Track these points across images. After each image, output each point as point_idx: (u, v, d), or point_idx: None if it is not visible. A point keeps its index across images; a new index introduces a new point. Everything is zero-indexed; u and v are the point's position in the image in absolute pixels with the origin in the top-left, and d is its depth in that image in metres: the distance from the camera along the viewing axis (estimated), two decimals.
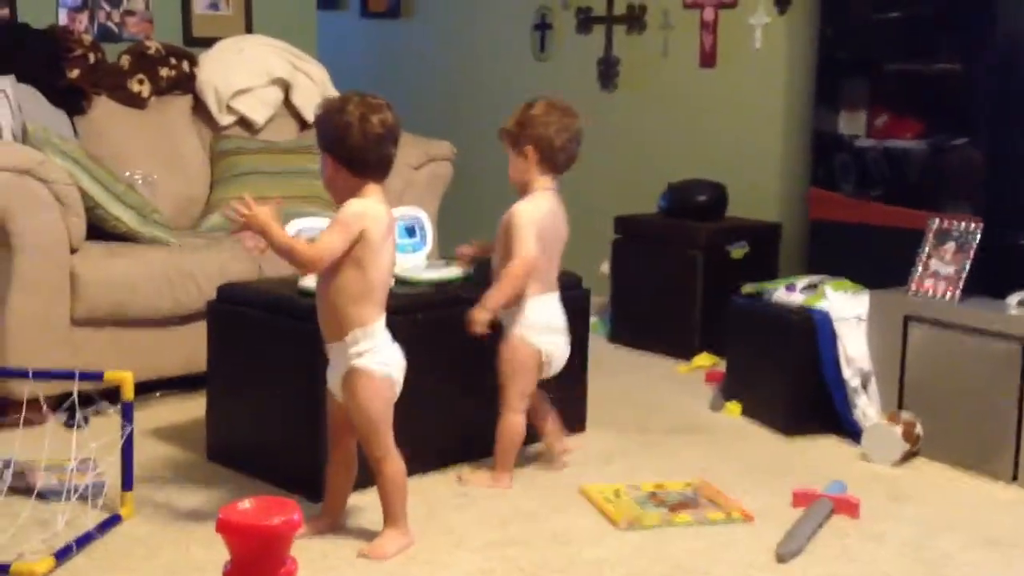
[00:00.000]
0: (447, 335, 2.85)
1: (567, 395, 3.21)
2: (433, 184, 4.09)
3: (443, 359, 2.85)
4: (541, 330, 2.81)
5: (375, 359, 2.37)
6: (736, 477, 2.94)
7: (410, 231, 3.05)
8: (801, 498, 2.74)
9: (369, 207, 2.36)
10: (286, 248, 2.31)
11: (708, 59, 4.64)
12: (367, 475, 2.54)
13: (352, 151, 2.34)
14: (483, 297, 2.73)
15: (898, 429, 3.07)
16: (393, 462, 2.44)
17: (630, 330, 4.36)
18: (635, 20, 4.87)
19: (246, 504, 1.98)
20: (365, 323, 2.36)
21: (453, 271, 3.02)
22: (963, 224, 3.18)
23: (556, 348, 2.85)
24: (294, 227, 2.89)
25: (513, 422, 2.82)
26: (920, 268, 3.21)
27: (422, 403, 2.85)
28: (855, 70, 4.06)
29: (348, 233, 2.31)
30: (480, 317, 2.71)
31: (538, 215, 2.79)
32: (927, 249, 3.22)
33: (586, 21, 5.06)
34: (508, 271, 2.73)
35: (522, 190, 2.83)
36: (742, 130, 4.56)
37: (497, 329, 2.81)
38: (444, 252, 3.72)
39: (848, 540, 2.57)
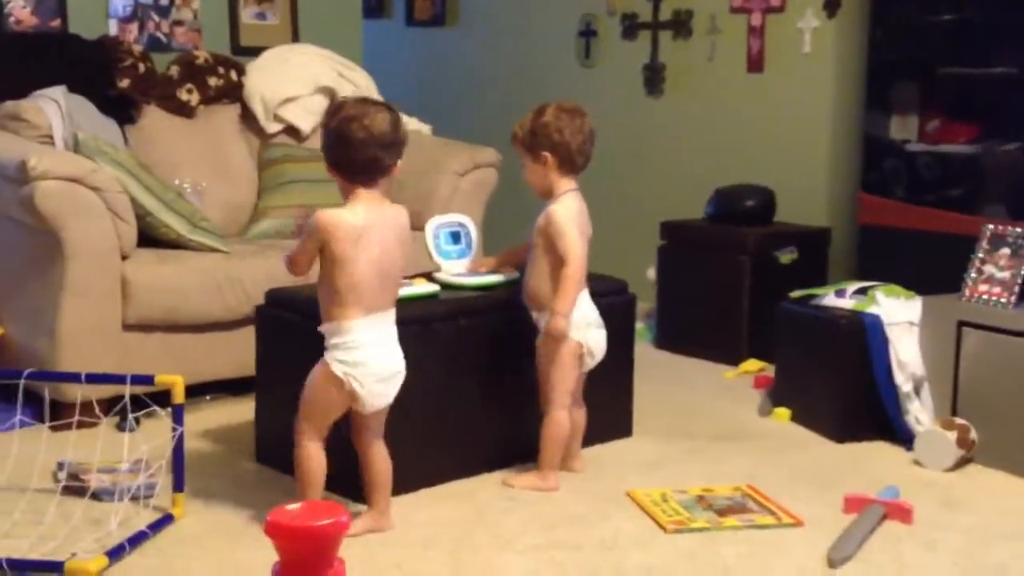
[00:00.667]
0: (490, 340, 2.86)
1: (613, 401, 3.20)
2: (478, 190, 4.10)
3: (487, 363, 2.86)
4: (579, 326, 2.83)
5: (337, 356, 2.42)
6: (785, 483, 2.91)
7: (455, 237, 3.08)
8: (852, 503, 2.70)
9: (337, 216, 2.41)
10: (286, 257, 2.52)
11: (756, 64, 4.61)
12: (411, 476, 2.55)
13: (336, 155, 2.44)
14: (553, 307, 2.76)
15: (952, 435, 3.02)
16: (308, 455, 2.47)
17: (676, 336, 4.33)
18: (681, 25, 4.86)
19: (294, 506, 1.99)
20: (339, 319, 2.42)
21: (496, 276, 3.04)
22: (1018, 230, 3.13)
23: (596, 341, 2.88)
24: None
25: (558, 418, 2.84)
26: (974, 273, 3.16)
27: (467, 407, 2.86)
28: (906, 74, 4.01)
29: (310, 242, 2.43)
30: (559, 325, 2.75)
31: (574, 214, 2.82)
32: (981, 255, 3.17)
33: (632, 27, 5.05)
34: (567, 275, 2.76)
35: (544, 194, 2.87)
36: (790, 135, 4.52)
37: (534, 329, 2.85)
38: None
39: (901, 546, 2.53)
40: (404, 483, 2.69)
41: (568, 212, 2.81)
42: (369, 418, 2.50)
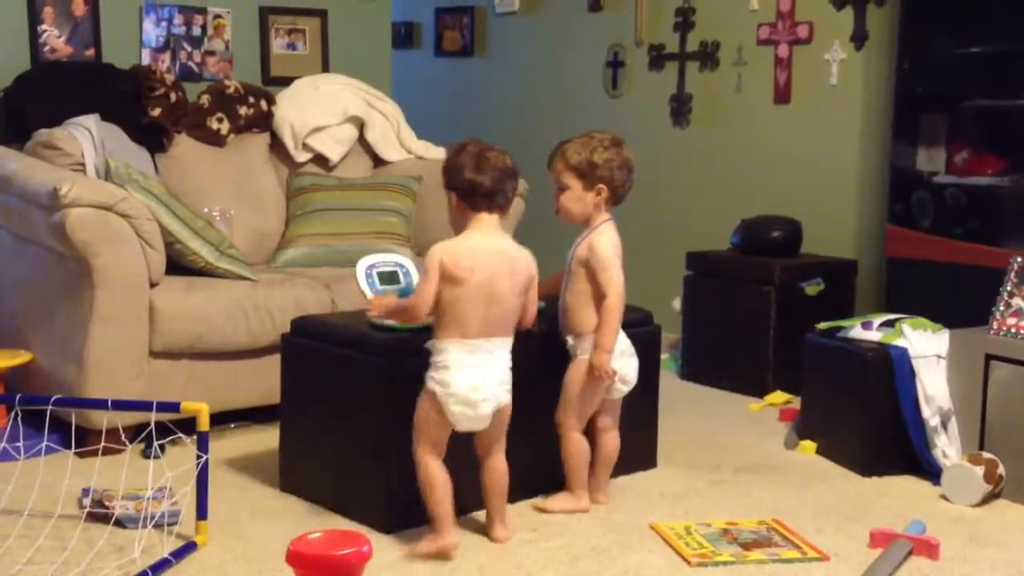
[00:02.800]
0: (518, 368, 2.84)
1: (638, 432, 3.19)
2: (506, 221, 4.09)
3: (527, 391, 2.84)
4: (615, 354, 2.85)
5: (430, 372, 2.58)
6: (811, 516, 2.88)
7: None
8: (879, 538, 2.67)
9: (453, 243, 2.61)
10: (400, 310, 2.67)
11: (783, 95, 4.61)
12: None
13: (466, 180, 2.62)
14: (596, 341, 2.80)
15: (980, 470, 2.98)
16: (423, 470, 2.59)
17: (702, 367, 4.32)
18: (708, 57, 4.87)
19: (316, 535, 1.99)
20: (437, 339, 2.59)
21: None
22: None
23: (629, 370, 2.92)
24: (366, 262, 2.94)
25: (576, 440, 2.89)
26: (1002, 307, 3.14)
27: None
28: (934, 106, 3.99)
29: (431, 279, 2.58)
30: (603, 360, 2.80)
31: (616, 246, 2.86)
32: (1009, 287, 3.14)
33: (659, 58, 5.06)
34: (609, 307, 2.80)
35: (580, 221, 2.90)
36: (817, 166, 4.51)
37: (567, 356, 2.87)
38: None
39: None
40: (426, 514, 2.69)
41: (612, 243, 2.85)
42: (480, 434, 2.65)
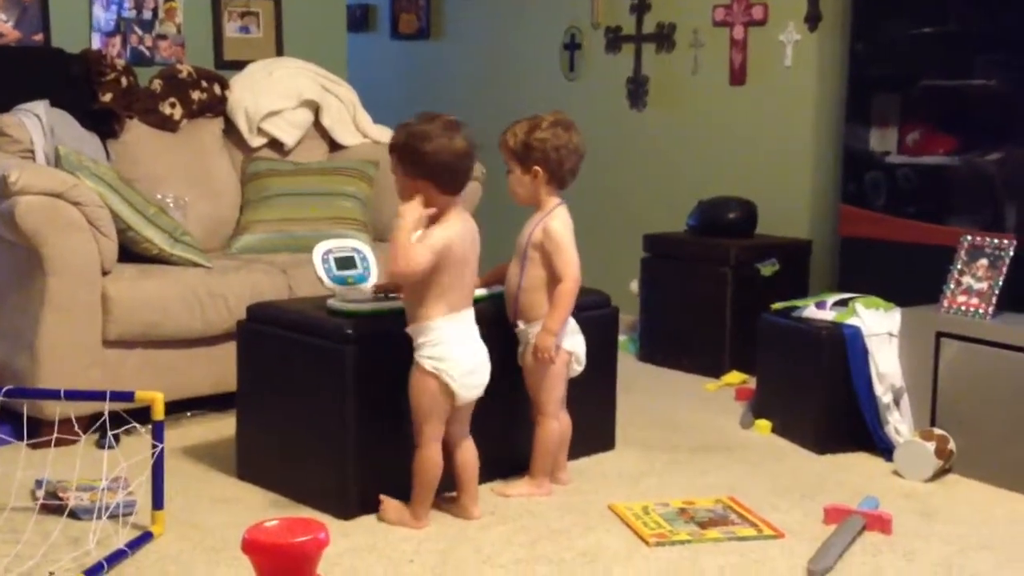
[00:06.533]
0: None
1: (596, 414, 3.21)
2: (464, 202, 4.10)
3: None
4: (566, 334, 2.86)
5: (424, 353, 2.60)
6: (767, 494, 2.92)
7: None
8: (833, 514, 2.71)
9: (449, 238, 2.57)
10: (398, 246, 2.53)
11: (738, 77, 4.64)
12: (392, 492, 2.53)
13: (433, 166, 2.56)
14: (544, 323, 2.79)
15: (931, 445, 3.03)
16: (424, 452, 2.63)
17: (659, 348, 4.35)
18: (664, 39, 4.88)
19: (272, 523, 1.98)
20: (423, 320, 2.59)
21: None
22: (996, 240, 3.15)
23: (580, 347, 2.92)
24: (323, 248, 2.92)
25: (551, 426, 2.89)
26: (952, 285, 3.18)
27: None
28: (887, 86, 4.03)
29: (437, 258, 2.56)
30: (549, 343, 2.80)
31: (570, 229, 2.85)
32: (959, 266, 3.19)
33: (615, 40, 5.07)
34: (564, 291, 2.79)
35: (527, 203, 2.90)
36: (772, 147, 4.54)
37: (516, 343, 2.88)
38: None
39: (880, 557, 2.54)
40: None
41: (566, 227, 2.84)
42: (459, 411, 2.65)
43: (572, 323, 2.91)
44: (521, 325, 2.87)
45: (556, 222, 2.84)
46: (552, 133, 2.82)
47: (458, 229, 2.61)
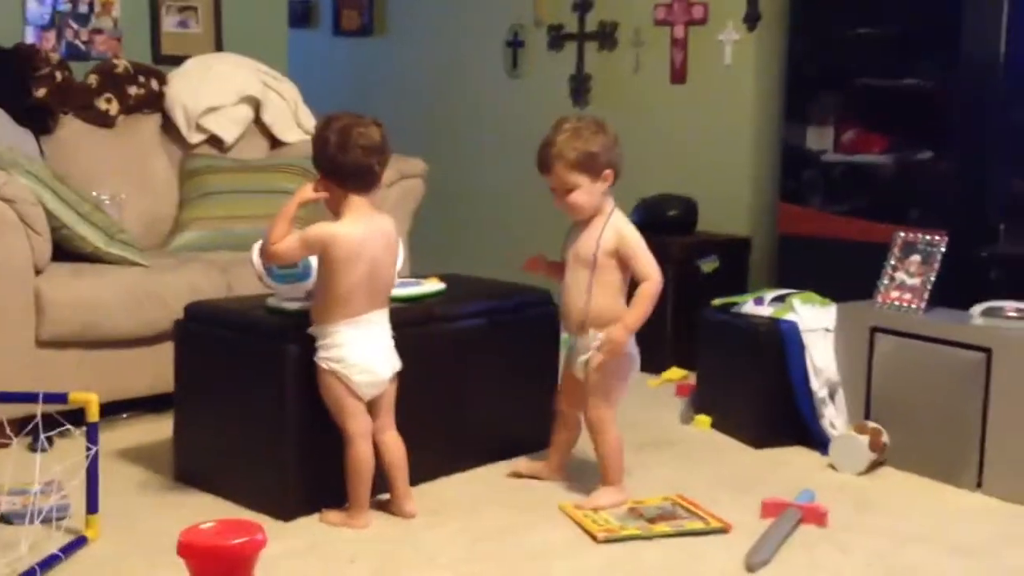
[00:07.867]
0: (422, 351, 2.84)
1: (538, 413, 3.21)
2: (405, 201, 4.09)
3: (420, 375, 2.83)
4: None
5: (321, 354, 2.62)
6: (707, 489, 2.95)
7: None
8: (770, 508, 2.75)
9: (334, 232, 2.57)
10: (276, 220, 2.60)
11: (679, 75, 4.68)
12: (337, 492, 2.52)
13: (333, 162, 2.57)
14: (625, 320, 2.75)
15: (865, 439, 3.09)
16: (350, 449, 2.63)
17: None
18: (606, 37, 4.90)
19: (208, 525, 1.97)
20: (324, 323, 2.61)
21: (425, 288, 3.03)
22: (928, 237, 3.21)
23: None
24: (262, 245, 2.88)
25: (617, 434, 2.86)
26: (886, 280, 3.24)
27: (399, 420, 2.83)
28: (823, 86, 4.10)
29: (303, 245, 2.59)
30: (625, 338, 2.77)
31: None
32: (893, 262, 3.25)
33: (558, 38, 5.08)
34: (648, 292, 2.76)
35: (591, 215, 2.80)
36: (712, 145, 4.59)
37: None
38: (417, 269, 3.73)
39: (816, 550, 2.58)
40: (328, 499, 2.69)
41: (634, 228, 2.80)
42: (374, 407, 2.66)
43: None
44: (592, 332, 2.79)
45: (628, 227, 2.80)
46: (605, 135, 2.78)
47: (353, 229, 2.58)
